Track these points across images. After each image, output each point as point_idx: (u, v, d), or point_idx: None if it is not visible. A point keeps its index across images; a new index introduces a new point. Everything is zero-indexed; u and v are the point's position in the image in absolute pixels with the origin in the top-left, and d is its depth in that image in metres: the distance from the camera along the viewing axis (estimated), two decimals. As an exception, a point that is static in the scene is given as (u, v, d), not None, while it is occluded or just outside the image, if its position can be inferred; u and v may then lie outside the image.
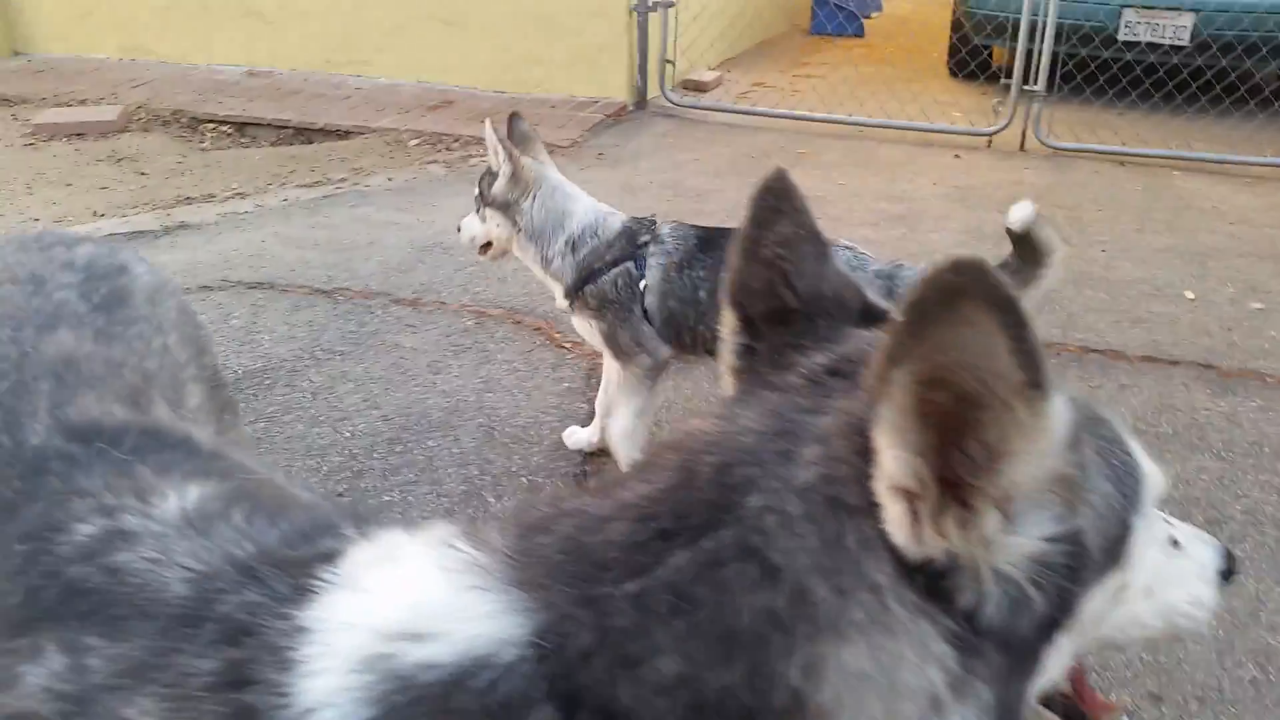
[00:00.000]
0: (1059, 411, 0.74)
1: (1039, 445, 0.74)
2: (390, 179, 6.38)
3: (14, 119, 7.91)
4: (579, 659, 0.74)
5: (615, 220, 3.25)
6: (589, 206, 3.31)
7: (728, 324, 1.01)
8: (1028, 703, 0.85)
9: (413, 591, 0.79)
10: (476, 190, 3.39)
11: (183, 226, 5.40)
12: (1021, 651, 0.81)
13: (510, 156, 3.22)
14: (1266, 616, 2.83)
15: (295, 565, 0.86)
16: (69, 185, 6.47)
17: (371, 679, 0.74)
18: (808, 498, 0.78)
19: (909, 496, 0.75)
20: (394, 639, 0.75)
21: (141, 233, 5.27)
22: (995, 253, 5.51)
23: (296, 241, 5.21)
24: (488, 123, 3.35)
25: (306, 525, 0.96)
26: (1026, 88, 7.48)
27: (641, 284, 3.12)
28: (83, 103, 8.16)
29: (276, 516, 0.97)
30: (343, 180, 6.37)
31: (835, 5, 12.10)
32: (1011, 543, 0.78)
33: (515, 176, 3.24)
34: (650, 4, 8.21)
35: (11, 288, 1.40)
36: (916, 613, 0.76)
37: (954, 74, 9.64)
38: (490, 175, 3.31)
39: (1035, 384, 0.71)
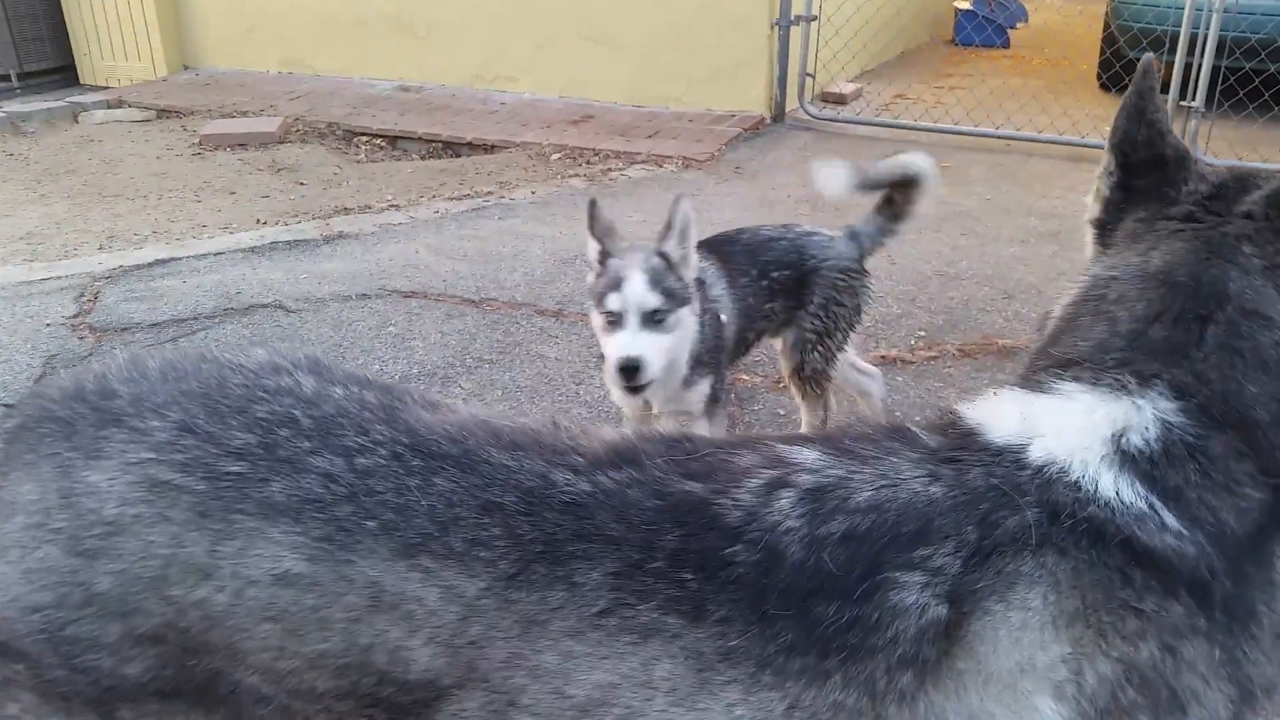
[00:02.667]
0: None
1: None
2: (533, 192, 6.53)
3: (183, 129, 8.40)
4: (1205, 398, 1.20)
5: None
6: None
7: (1106, 165, 1.45)
8: None
9: (1080, 415, 1.22)
10: (655, 293, 2.69)
11: (341, 236, 5.64)
12: None
13: (688, 239, 2.78)
14: None
15: (969, 444, 1.23)
16: (233, 194, 6.83)
17: (1120, 467, 1.17)
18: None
19: None
20: (1107, 441, 1.19)
21: (304, 241, 5.53)
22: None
23: (447, 252, 5.39)
24: (684, 202, 2.78)
25: (901, 435, 1.27)
26: (1184, 103, 7.20)
27: (723, 317, 2.99)
28: (244, 114, 8.60)
29: (868, 439, 1.26)
30: (489, 193, 6.55)
31: (984, 18, 11.84)
32: None
33: (689, 261, 2.81)
34: (793, 18, 8.19)
35: (298, 413, 1.28)
36: None
37: (1105, 88, 9.32)
38: (669, 269, 2.73)
39: None
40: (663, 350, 2.72)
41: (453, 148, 7.91)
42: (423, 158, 7.86)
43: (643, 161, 7.32)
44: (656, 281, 2.68)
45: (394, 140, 8.09)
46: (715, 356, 2.99)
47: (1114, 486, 1.15)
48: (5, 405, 1.48)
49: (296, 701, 1.22)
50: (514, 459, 1.24)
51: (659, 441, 1.29)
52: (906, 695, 1.09)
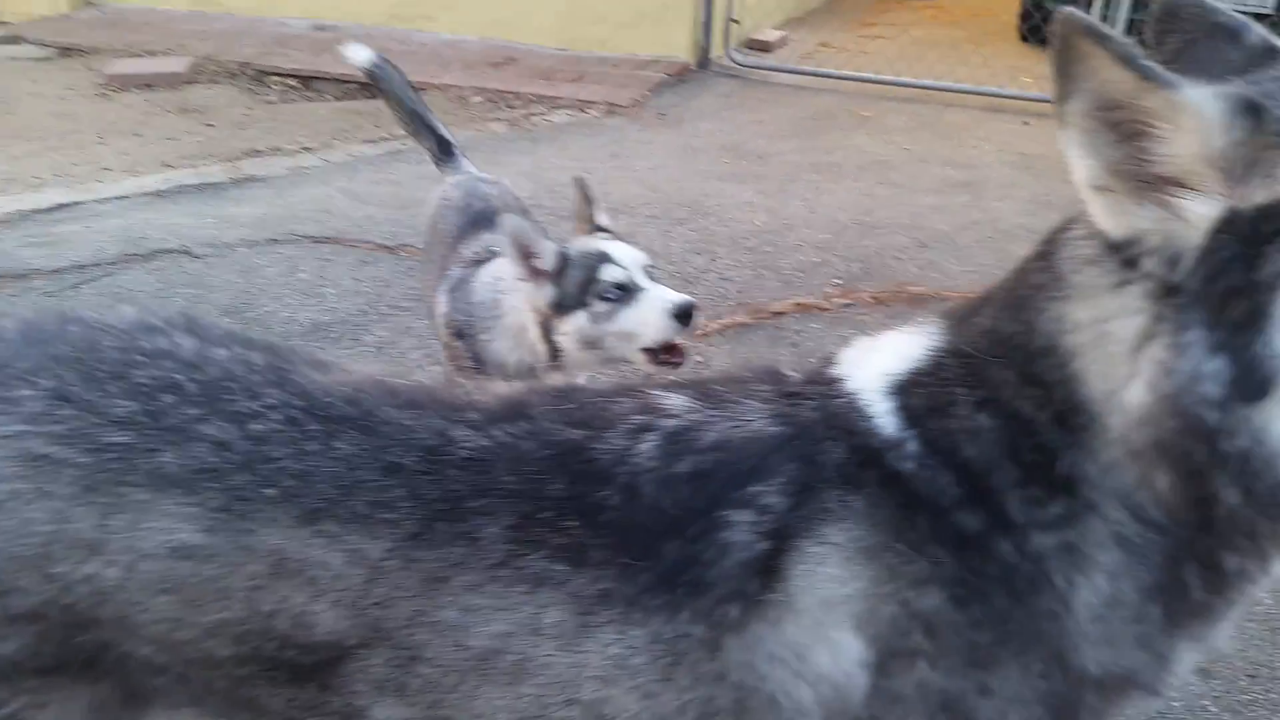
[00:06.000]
0: (1195, 99, 0.95)
1: (1184, 127, 0.96)
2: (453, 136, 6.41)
3: (87, 69, 8.05)
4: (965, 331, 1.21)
5: None
6: None
7: None
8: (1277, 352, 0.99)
9: (885, 360, 1.24)
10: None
11: (251, 179, 5.49)
12: (1236, 304, 0.98)
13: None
14: (1325, 599, 2.81)
15: (814, 379, 1.28)
16: (139, 136, 6.57)
17: (890, 391, 1.20)
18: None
19: (1104, 192, 1.02)
20: (887, 374, 1.22)
21: (211, 185, 5.37)
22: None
23: (362, 197, 5.27)
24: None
25: (773, 376, 1.31)
26: (1100, 53, 7.28)
27: None
28: (151, 54, 8.27)
29: (739, 383, 1.31)
30: (406, 137, 6.34)
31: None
32: (1193, 214, 0.99)
33: None
34: (717, -39, 8.11)
35: (181, 378, 1.23)
36: (1117, 280, 1.06)
37: (1025, 38, 9.40)
38: None
39: (1147, 77, 0.93)
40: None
41: (368, 89, 7.65)
42: (337, 99, 7.64)
43: (566, 106, 7.23)
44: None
45: (308, 81, 7.85)
46: None
47: (885, 416, 1.18)
48: None
49: (194, 669, 1.20)
50: (413, 417, 1.23)
51: (548, 393, 1.30)
52: (736, 627, 1.13)
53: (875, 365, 1.25)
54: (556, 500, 1.17)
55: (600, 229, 2.68)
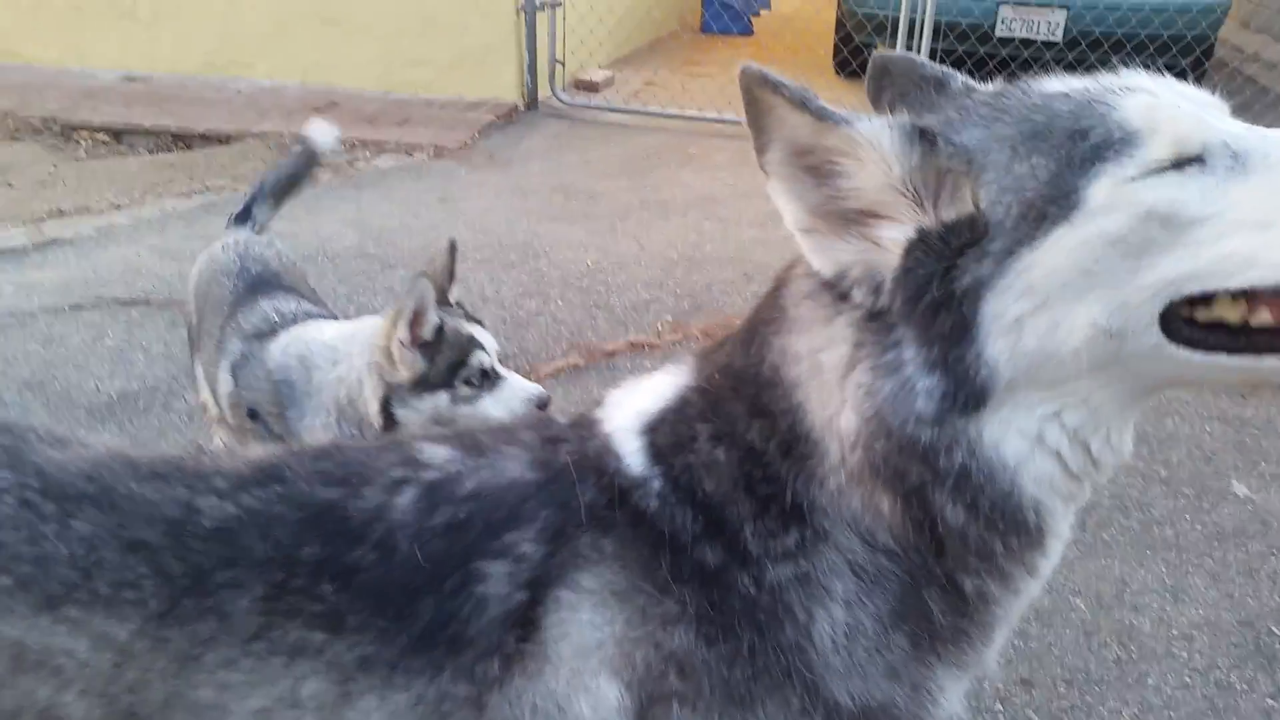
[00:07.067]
0: (869, 132, 1.01)
1: (865, 159, 1.02)
2: (274, 186, 6.23)
3: None
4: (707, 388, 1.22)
5: None
6: None
7: None
8: (989, 359, 1.03)
9: (642, 399, 1.25)
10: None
11: (54, 242, 5.20)
12: (943, 319, 1.03)
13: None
14: (1130, 597, 2.97)
15: (578, 423, 1.29)
16: (-71, 199, 6.17)
17: (641, 430, 1.20)
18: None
19: (811, 233, 1.08)
20: (659, 418, 1.22)
21: (10, 250, 5.07)
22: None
23: (174, 254, 5.05)
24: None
25: (540, 423, 1.35)
26: (908, 85, 7.66)
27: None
28: (-58, 110, 7.78)
29: (505, 431, 1.32)
30: (223, 188, 6.20)
31: (721, 4, 12.19)
32: (889, 241, 1.05)
33: None
34: (538, 3, 8.17)
35: None
36: (830, 312, 1.11)
37: (838, 72, 9.81)
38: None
39: (822, 117, 1.00)
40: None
41: (184, 140, 7.42)
42: (151, 152, 7.33)
43: (392, 150, 7.14)
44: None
45: (119, 135, 7.51)
46: None
47: (634, 455, 1.19)
48: None
49: None
50: (155, 490, 1.18)
51: (306, 454, 1.26)
52: (498, 682, 1.11)
53: (632, 405, 1.25)
54: (310, 565, 1.14)
55: (453, 303, 2.61)
